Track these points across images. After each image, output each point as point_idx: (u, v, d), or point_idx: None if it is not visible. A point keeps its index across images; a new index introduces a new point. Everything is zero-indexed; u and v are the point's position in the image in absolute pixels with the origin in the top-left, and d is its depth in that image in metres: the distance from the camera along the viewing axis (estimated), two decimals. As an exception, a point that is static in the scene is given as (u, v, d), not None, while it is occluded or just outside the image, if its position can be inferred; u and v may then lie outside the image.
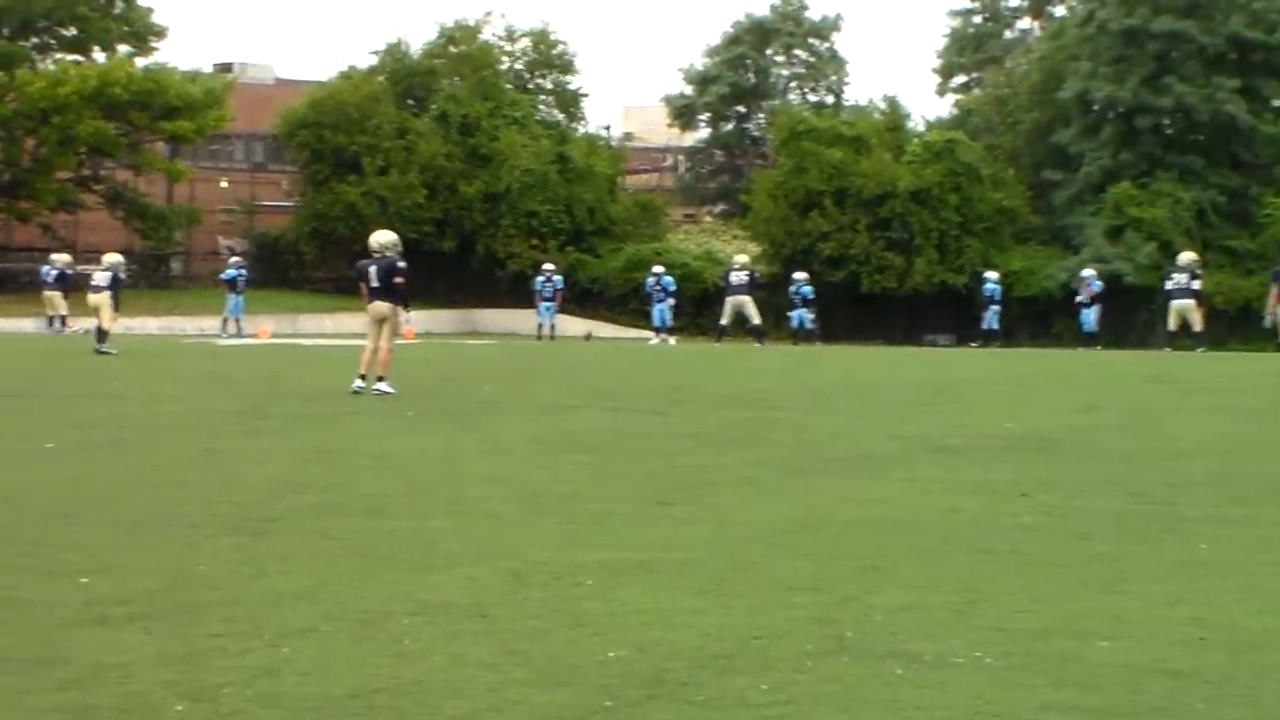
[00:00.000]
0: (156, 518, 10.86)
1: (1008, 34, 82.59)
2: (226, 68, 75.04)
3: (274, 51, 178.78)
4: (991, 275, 53.52)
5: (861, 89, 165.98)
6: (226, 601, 8.09)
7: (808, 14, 78.86)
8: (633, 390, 23.68)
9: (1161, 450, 15.52)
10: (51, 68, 63.48)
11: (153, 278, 66.31)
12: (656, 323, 48.88)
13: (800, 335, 49.92)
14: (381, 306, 22.40)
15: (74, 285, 43.60)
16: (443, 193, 65.34)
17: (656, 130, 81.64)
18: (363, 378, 21.98)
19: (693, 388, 24.27)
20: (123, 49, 66.92)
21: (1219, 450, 15.64)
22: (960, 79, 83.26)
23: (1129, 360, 35.64)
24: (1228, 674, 6.78)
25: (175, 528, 10.40)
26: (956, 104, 77.00)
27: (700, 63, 78.27)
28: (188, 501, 11.58)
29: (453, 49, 70.38)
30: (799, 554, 9.56)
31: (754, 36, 77.88)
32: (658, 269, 51.14)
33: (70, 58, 65.44)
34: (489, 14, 75.00)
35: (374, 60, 70.47)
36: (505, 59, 72.37)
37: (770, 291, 53.08)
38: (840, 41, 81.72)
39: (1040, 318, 58.35)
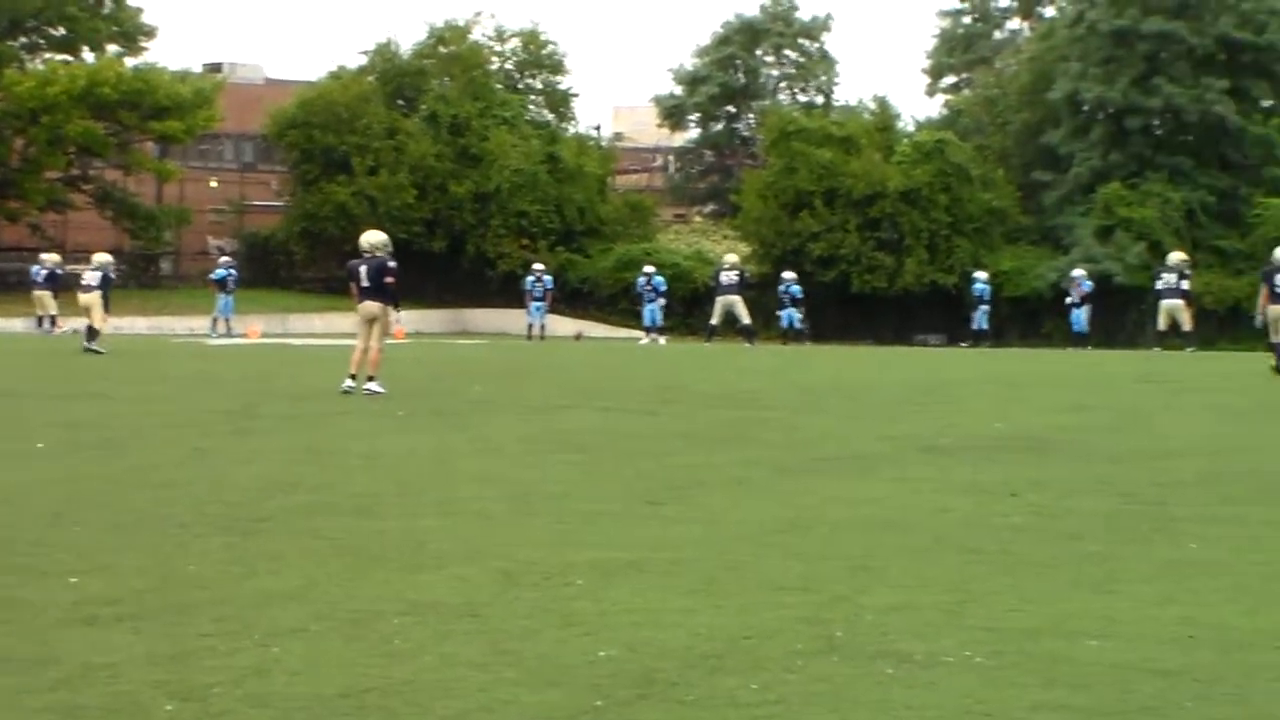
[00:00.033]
0: (146, 517, 10.85)
1: (997, 34, 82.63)
2: (216, 68, 74.95)
3: (263, 51, 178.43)
4: (981, 275, 53.54)
5: (851, 89, 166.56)
6: (216, 601, 8.08)
7: (797, 14, 78.89)
8: (623, 390, 23.69)
9: (1151, 450, 15.54)
10: (40, 67, 63.37)
11: (142, 278, 66.28)
12: (647, 322, 48.90)
13: (790, 335, 49.93)
14: (371, 306, 22.40)
15: (64, 285, 43.62)
16: (433, 193, 65.30)
17: (646, 130, 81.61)
18: (353, 377, 21.97)
19: (683, 387, 24.27)
20: (112, 49, 66.81)
21: (1208, 450, 15.66)
22: (950, 79, 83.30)
23: (1119, 360, 35.69)
24: (1217, 673, 6.79)
25: (165, 527, 10.39)
26: (946, 104, 77.07)
27: (690, 63, 78.33)
28: (177, 501, 11.57)
29: (442, 49, 70.32)
30: (789, 554, 9.57)
31: (744, 37, 77.88)
32: (648, 269, 51.14)
33: (59, 57, 65.29)
34: (479, 14, 75.14)
35: (364, 60, 70.46)
36: (495, 59, 72.33)
37: (760, 291, 53.06)
38: (830, 42, 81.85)
39: (1030, 318, 58.37)
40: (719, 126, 79.32)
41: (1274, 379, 26.51)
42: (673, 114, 78.18)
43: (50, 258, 46.11)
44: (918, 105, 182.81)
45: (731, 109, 79.09)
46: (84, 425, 17.53)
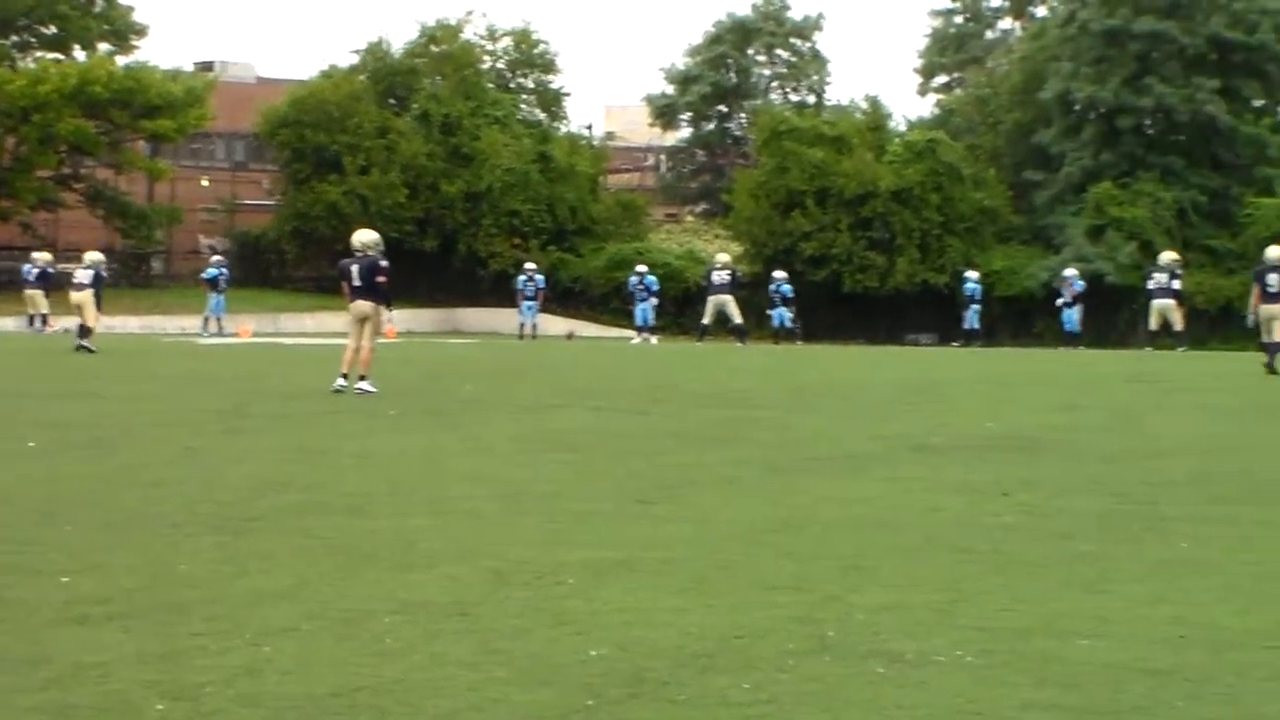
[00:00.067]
0: (137, 516, 10.84)
1: (989, 34, 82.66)
2: (207, 66, 74.91)
3: (255, 50, 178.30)
4: (972, 275, 53.60)
5: (843, 89, 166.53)
6: (207, 600, 8.07)
7: (789, 14, 78.90)
8: (614, 389, 23.69)
9: (1143, 450, 15.55)
10: (32, 66, 63.34)
11: (133, 277, 66.18)
12: (639, 322, 48.90)
13: (781, 334, 49.98)
14: (363, 305, 22.40)
15: (55, 284, 43.58)
16: (424, 192, 65.30)
17: (638, 130, 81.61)
18: (344, 377, 21.97)
19: (674, 387, 24.28)
20: (103, 47, 66.83)
21: (1200, 449, 15.68)
22: (941, 79, 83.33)
23: (1110, 360, 35.72)
24: (1208, 673, 6.79)
25: (156, 527, 10.38)
26: (938, 104, 77.06)
27: (682, 62, 78.32)
28: (169, 500, 11.57)
29: (434, 48, 70.31)
30: (781, 553, 9.56)
31: (735, 36, 77.87)
32: (641, 268, 51.15)
33: (51, 56, 65.33)
34: (470, 13, 75.50)
35: (355, 59, 70.42)
36: (487, 58, 72.32)
37: (752, 291, 53.08)
38: (822, 41, 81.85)
39: (1022, 317, 58.41)
40: (711, 126, 79.30)
41: (1266, 379, 26.55)
42: (664, 113, 78.17)
43: (42, 256, 46.08)
44: (909, 105, 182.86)
45: (723, 108, 79.08)
46: (75, 424, 17.52)
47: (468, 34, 71.21)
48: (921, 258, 60.28)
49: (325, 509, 11.27)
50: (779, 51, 79.53)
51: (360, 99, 66.21)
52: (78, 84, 59.35)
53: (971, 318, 52.29)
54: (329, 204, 63.74)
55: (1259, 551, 9.81)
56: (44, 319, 44.33)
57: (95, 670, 6.69)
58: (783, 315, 50.12)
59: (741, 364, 31.94)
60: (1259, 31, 60.53)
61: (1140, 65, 60.38)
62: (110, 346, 33.23)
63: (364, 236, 22.99)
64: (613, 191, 73.06)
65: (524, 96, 73.00)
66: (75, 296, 33.39)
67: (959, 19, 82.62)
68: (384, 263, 22.63)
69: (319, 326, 55.28)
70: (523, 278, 52.25)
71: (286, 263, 68.03)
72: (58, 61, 63.68)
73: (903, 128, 68.89)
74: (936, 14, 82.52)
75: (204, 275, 50.63)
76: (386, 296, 22.75)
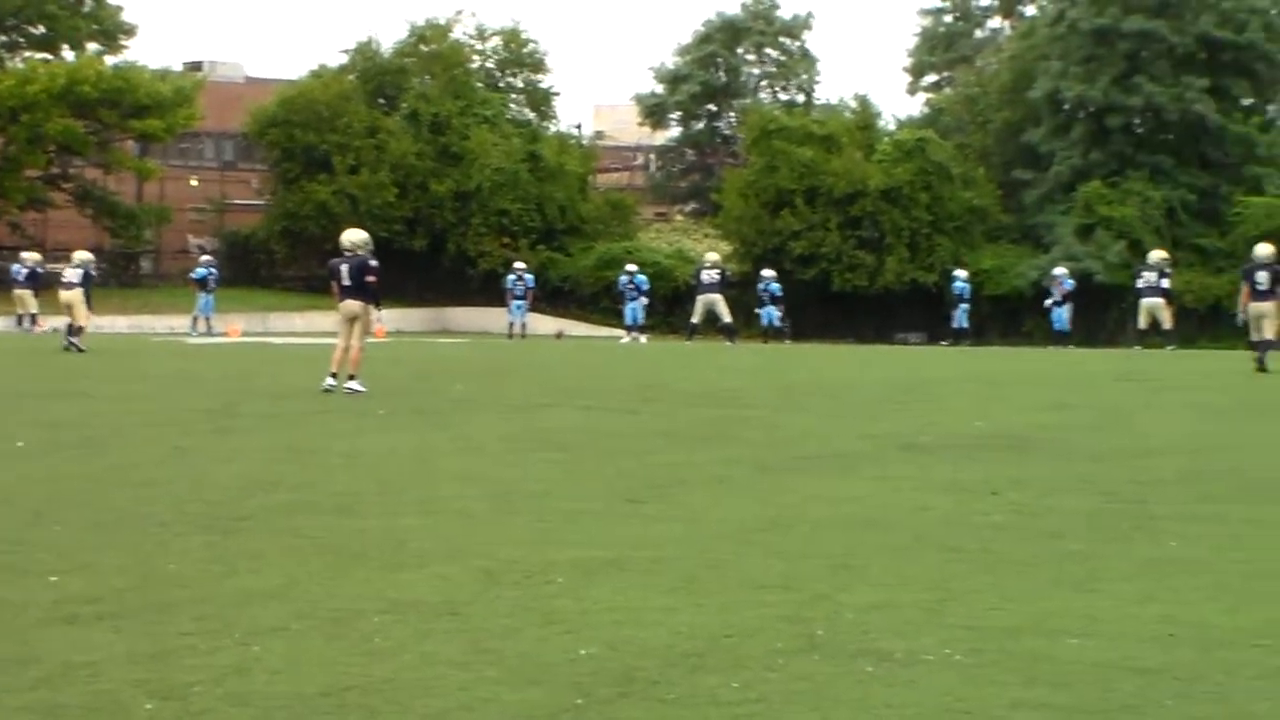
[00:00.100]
0: (127, 516, 10.83)
1: (978, 33, 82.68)
2: (196, 66, 74.81)
3: (244, 50, 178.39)
4: (960, 273, 53.62)
5: (832, 88, 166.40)
6: (197, 600, 8.07)
7: (778, 13, 78.90)
8: (604, 389, 23.69)
9: (1132, 448, 15.56)
10: (20, 66, 63.26)
11: (122, 276, 66.12)
12: (628, 321, 48.87)
13: (770, 333, 49.99)
14: (353, 305, 22.39)
15: (44, 283, 43.54)
16: (413, 191, 65.26)
17: (627, 129, 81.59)
18: (334, 376, 21.96)
19: (664, 386, 24.27)
20: (92, 47, 66.72)
21: (1189, 448, 15.69)
22: (931, 78, 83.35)
23: (1099, 358, 35.73)
24: (1197, 671, 6.80)
25: (145, 526, 10.38)
26: (927, 103, 77.09)
27: (671, 61, 78.31)
28: (158, 500, 11.56)
29: (423, 47, 70.24)
30: (770, 552, 9.57)
31: (725, 35, 77.88)
32: (631, 267, 51.10)
33: (39, 56, 65.24)
34: (460, 13, 75.15)
35: (344, 59, 70.32)
36: (476, 58, 72.26)
37: (741, 290, 53.07)
38: (811, 40, 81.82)
39: (1011, 316, 58.42)
40: (700, 125, 79.34)
41: (1255, 377, 26.57)
42: (654, 112, 78.18)
43: (31, 256, 46.06)
44: (899, 104, 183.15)
45: (712, 107, 79.11)
46: (64, 424, 17.50)
47: (457, 33, 71.18)
48: (910, 257, 60.30)
49: (315, 508, 11.26)
50: (768, 51, 79.55)
51: (349, 98, 66.17)
52: (66, 84, 59.27)
53: (960, 317, 52.31)
54: (318, 203, 63.71)
55: (1248, 550, 9.82)
56: (33, 319, 44.28)
57: (84, 670, 6.69)
58: (771, 314, 50.12)
59: (731, 363, 31.93)
60: (1248, 30, 60.59)
61: (1129, 64, 60.45)
62: (99, 346, 33.19)
63: (353, 236, 22.98)
64: (602, 191, 73.09)
65: (513, 96, 72.97)
66: (65, 295, 33.37)
67: (948, 18, 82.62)
68: (373, 262, 22.63)
69: (308, 326, 55.24)
70: (512, 277, 52.20)
71: (276, 262, 68.00)
72: (46, 61, 63.59)
73: (892, 127, 68.94)
74: (926, 13, 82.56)
75: (193, 275, 50.54)
76: (376, 296, 22.74)
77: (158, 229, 67.91)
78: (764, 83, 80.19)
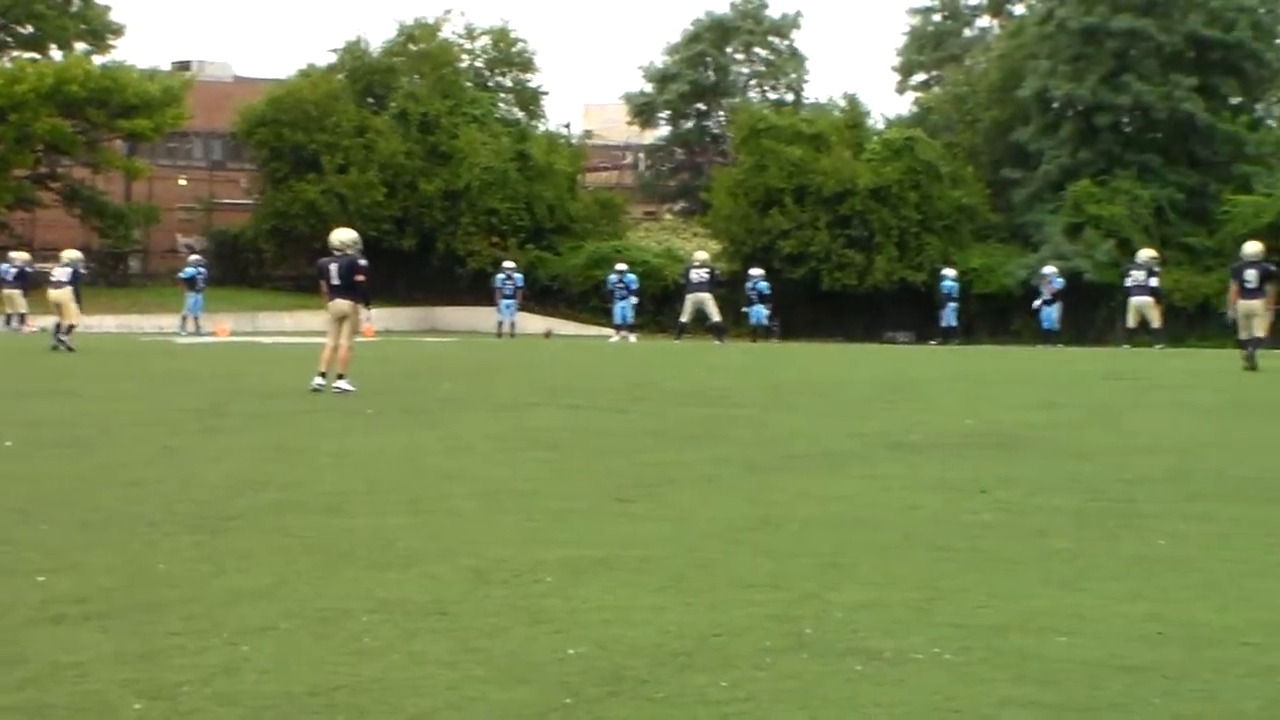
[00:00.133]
0: (115, 516, 10.81)
1: (967, 32, 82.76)
2: (185, 65, 74.79)
3: (232, 49, 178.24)
4: (949, 272, 53.66)
5: (821, 87, 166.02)
6: (185, 599, 8.06)
7: (767, 12, 79.01)
8: (593, 388, 23.69)
9: (1120, 447, 15.57)
10: (8, 65, 63.24)
11: (111, 276, 66.05)
12: (618, 320, 48.88)
13: (759, 332, 50.01)
14: (342, 304, 22.39)
15: (33, 283, 43.50)
16: (402, 190, 65.27)
17: (616, 128, 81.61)
18: (322, 375, 21.95)
19: (653, 385, 24.26)
20: (80, 46, 66.75)
21: (1177, 447, 15.70)
22: (920, 77, 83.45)
23: (1088, 357, 35.76)
24: (1185, 669, 6.81)
25: (134, 526, 10.36)
26: (916, 102, 77.22)
27: (660, 60, 78.40)
28: (146, 499, 11.54)
29: (412, 47, 70.27)
30: (759, 551, 9.57)
31: (714, 34, 77.94)
32: (621, 266, 51.11)
33: (27, 55, 65.19)
34: (448, 12, 75.36)
35: (333, 58, 70.38)
36: (465, 57, 72.28)
37: (730, 289, 53.12)
38: (800, 39, 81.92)
39: (1000, 315, 58.50)
40: (689, 124, 79.38)
41: (1243, 375, 26.61)
42: (643, 111, 78.24)
43: (19, 256, 46.02)
44: (888, 103, 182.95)
45: (701, 106, 79.17)
46: (52, 423, 17.48)
47: (446, 33, 71.26)
48: (900, 256, 60.38)
49: (303, 508, 11.25)
50: (757, 50, 79.65)
51: (338, 98, 66.18)
52: (54, 83, 59.23)
53: (949, 316, 52.34)
54: (307, 203, 63.72)
55: (1236, 548, 9.82)
56: (21, 318, 44.22)
57: (72, 670, 6.67)
58: (759, 313, 50.15)
59: (720, 362, 31.94)
60: (1236, 29, 60.71)
61: (1118, 63, 60.54)
62: (87, 346, 33.17)
63: (342, 235, 22.98)
64: (591, 190, 73.14)
65: (502, 95, 73.02)
66: (54, 294, 33.39)
67: (937, 17, 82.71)
68: (362, 261, 22.64)
69: (297, 325, 55.20)
70: (501, 276, 52.19)
71: (264, 262, 68.00)
72: (34, 61, 63.54)
73: (881, 126, 69.09)
74: (915, 12, 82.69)
75: (182, 274, 50.52)
76: (365, 295, 22.75)
77: (146, 228, 67.87)
78: (753, 82, 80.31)
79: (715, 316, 44.79)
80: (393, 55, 70.27)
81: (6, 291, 44.57)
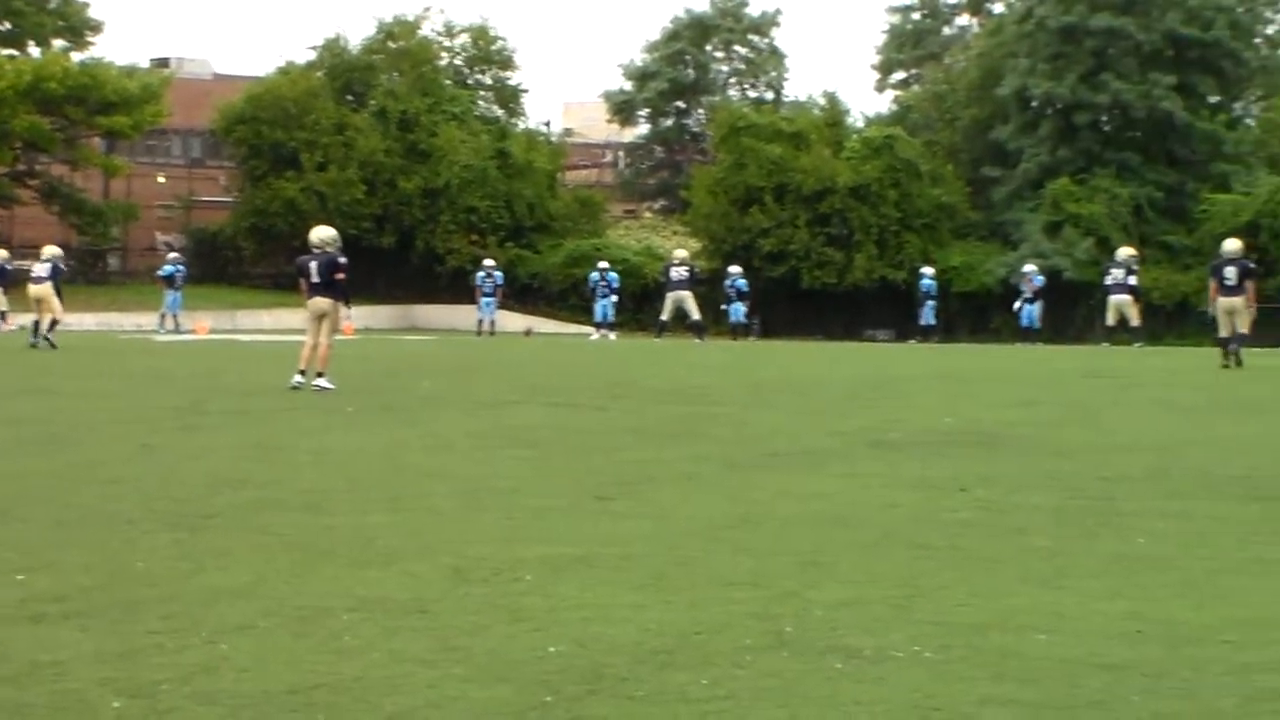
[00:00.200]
0: (93, 514, 10.79)
1: (946, 30, 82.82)
2: (163, 62, 74.61)
3: (212, 46, 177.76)
4: (927, 271, 53.81)
5: (801, 85, 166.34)
6: (164, 598, 8.04)
7: (747, 10, 79.00)
8: (573, 386, 23.68)
9: (1099, 445, 15.60)
10: (-13, 62, 63.05)
11: (90, 273, 65.89)
12: (598, 318, 48.92)
13: (739, 330, 50.05)
14: (321, 302, 22.37)
15: (12, 281, 43.39)
16: (382, 188, 65.21)
17: (596, 126, 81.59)
18: (302, 373, 21.93)
19: (633, 383, 24.27)
20: (58, 43, 66.59)
21: (1156, 445, 15.73)
22: (899, 75, 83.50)
23: (1067, 355, 35.83)
24: (1164, 668, 6.81)
25: (112, 524, 10.34)
26: (896, 100, 77.20)
27: (640, 58, 78.39)
28: (125, 497, 11.52)
29: (391, 44, 70.19)
30: (739, 549, 9.57)
31: (693, 32, 77.94)
32: (603, 264, 51.15)
33: (5, 52, 64.93)
34: (428, 9, 75.28)
35: (312, 55, 70.18)
36: (444, 54, 72.21)
37: (710, 287, 53.15)
38: (779, 37, 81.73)
39: (979, 313, 58.57)
40: (669, 122, 79.39)
41: (1221, 374, 26.68)
42: (622, 109, 78.23)
43: (-2, 253, 45.90)
44: (867, 101, 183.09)
45: (681, 104, 79.17)
46: (30, 421, 17.45)
47: (425, 30, 71.16)
48: (879, 254, 60.40)
49: (282, 506, 11.24)
50: (737, 48, 79.67)
51: (317, 95, 66.08)
52: (32, 80, 59.07)
53: (927, 314, 52.47)
54: (286, 200, 63.64)
55: (1214, 546, 9.84)
56: (2, 316, 44.10)
57: (51, 669, 6.66)
58: (737, 310, 50.19)
59: (700, 360, 31.95)
60: (1215, 28, 60.81)
61: (1097, 61, 60.62)
62: (67, 343, 33.12)
63: (322, 233, 22.97)
64: (571, 188, 73.14)
65: (482, 93, 72.94)
66: (34, 290, 33.41)
67: (916, 15, 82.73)
68: (342, 259, 22.63)
69: (276, 323, 55.19)
70: (481, 274, 52.21)
71: (244, 259, 67.92)
72: (12, 58, 63.30)
73: (861, 124, 69.05)
74: (894, 10, 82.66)
75: (161, 272, 50.50)
76: (345, 293, 22.74)
77: (125, 226, 67.73)
78: (732, 80, 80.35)
79: (695, 315, 44.85)
80: (372, 53, 70.19)
81: (-15, 289, 44.46)
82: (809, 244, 60.43)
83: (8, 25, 65.77)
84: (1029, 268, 49.78)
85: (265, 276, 66.46)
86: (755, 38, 79.58)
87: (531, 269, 63.97)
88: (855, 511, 11.13)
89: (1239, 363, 27.43)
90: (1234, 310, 28.41)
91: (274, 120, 64.66)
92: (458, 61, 72.86)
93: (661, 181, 79.45)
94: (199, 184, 71.87)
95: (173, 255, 51.95)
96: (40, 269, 33.66)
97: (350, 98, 68.86)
